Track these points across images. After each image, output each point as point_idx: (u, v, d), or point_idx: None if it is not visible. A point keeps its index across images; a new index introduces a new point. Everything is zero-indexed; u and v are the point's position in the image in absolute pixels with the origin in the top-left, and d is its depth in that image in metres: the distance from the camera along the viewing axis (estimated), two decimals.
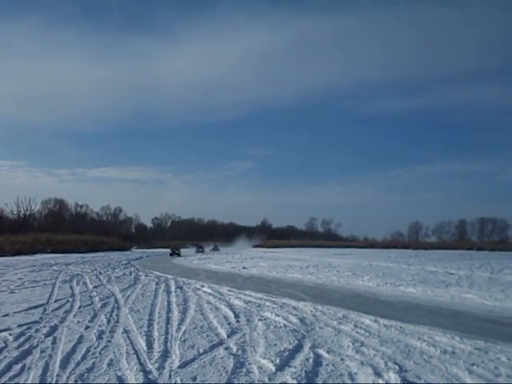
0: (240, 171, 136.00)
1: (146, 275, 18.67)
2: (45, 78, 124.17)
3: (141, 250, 66.40)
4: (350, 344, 6.41)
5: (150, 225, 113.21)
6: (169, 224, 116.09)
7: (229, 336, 6.91)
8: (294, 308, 9.68)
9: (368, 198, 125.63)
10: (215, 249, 63.57)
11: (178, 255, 45.75)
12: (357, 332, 7.26)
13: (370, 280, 16.55)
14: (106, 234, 75.22)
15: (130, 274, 18.84)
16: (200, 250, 57.45)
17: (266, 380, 4.85)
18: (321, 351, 6.05)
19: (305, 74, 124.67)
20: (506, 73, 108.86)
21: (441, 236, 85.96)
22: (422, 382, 4.81)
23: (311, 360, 5.58)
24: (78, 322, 7.91)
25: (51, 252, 45.49)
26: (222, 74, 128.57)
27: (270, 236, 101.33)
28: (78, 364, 5.34)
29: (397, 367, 5.27)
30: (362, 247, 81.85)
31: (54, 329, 7.27)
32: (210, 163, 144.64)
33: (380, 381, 4.74)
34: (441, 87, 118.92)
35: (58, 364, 5.30)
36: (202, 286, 13.68)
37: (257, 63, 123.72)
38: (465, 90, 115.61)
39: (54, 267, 23.17)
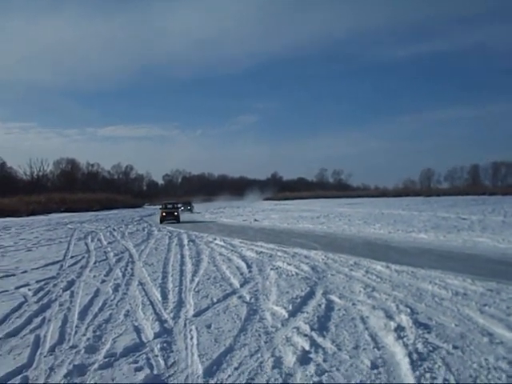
0: (246, 125, 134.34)
1: (159, 230, 18.99)
2: (48, 35, 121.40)
3: (153, 206, 67.22)
4: (362, 289, 6.47)
5: (161, 182, 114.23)
6: (179, 180, 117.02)
7: (242, 285, 7.01)
8: (306, 257, 9.78)
9: (378, 146, 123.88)
10: (188, 207, 43.02)
11: (190, 211, 40.71)
12: (368, 278, 7.32)
13: (381, 228, 16.58)
14: (117, 191, 76.33)
15: (143, 230, 19.17)
16: (188, 208, 42.78)
17: (279, 326, 4.94)
18: (333, 297, 6.12)
19: (307, 22, 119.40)
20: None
21: (453, 182, 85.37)
22: (434, 323, 4.85)
23: (323, 306, 5.65)
24: (94, 276, 8.09)
25: (65, 211, 46.42)
26: (224, 26, 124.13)
27: (281, 189, 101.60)
28: (95, 316, 5.48)
29: (408, 310, 5.32)
30: (373, 196, 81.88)
31: (71, 283, 7.46)
32: (217, 118, 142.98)
33: (392, 323, 4.78)
34: (449, 31, 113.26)
35: (76, 316, 5.45)
36: (215, 239, 13.86)
37: (258, 13, 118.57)
38: (475, 32, 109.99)
39: (69, 225, 23.65)
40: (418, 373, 3.56)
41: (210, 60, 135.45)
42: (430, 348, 4.11)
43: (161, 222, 25.14)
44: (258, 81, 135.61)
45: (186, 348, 4.33)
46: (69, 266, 9.27)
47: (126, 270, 8.71)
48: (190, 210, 42.56)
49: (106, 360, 4.00)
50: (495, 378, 3.46)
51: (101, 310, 5.77)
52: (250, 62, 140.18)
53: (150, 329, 4.89)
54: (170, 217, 25.71)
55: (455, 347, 4.12)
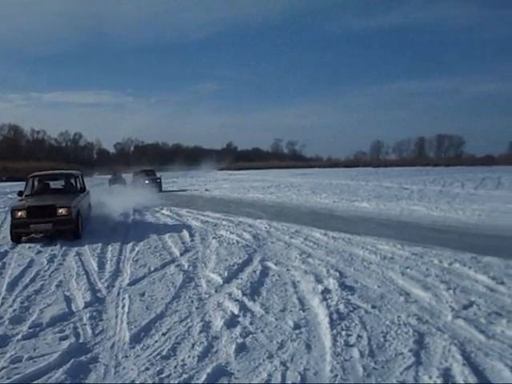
0: (204, 94, 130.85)
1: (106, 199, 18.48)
2: None
3: (103, 176, 65.08)
4: (298, 256, 6.71)
5: (112, 150, 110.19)
6: (132, 149, 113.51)
7: (182, 254, 7.06)
8: (250, 226, 9.94)
9: (331, 118, 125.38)
10: (117, 179, 28.36)
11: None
12: (306, 245, 7.58)
13: (327, 197, 17.09)
14: (65, 160, 72.92)
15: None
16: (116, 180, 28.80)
17: (213, 292, 5.06)
18: (269, 263, 6.31)
19: None
20: None
21: (401, 154, 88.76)
22: (359, 285, 5.16)
23: (258, 272, 5.83)
24: (30, 247, 7.83)
25: (7, 180, 43.95)
26: None
27: (236, 158, 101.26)
28: (25, 287, 5.35)
29: (337, 274, 5.60)
30: (325, 167, 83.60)
31: (3, 255, 7.19)
32: (173, 86, 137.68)
33: (320, 287, 5.03)
34: (401, 5, 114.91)
35: (4, 287, 5.30)
36: (161, 209, 13.73)
37: None
38: (425, 8, 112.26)
39: (9, 195, 22.46)
40: (335, 331, 3.80)
41: (166, 27, 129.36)
42: (351, 308, 4.37)
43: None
44: (217, 49, 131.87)
45: (117, 316, 4.35)
46: (4, 237, 8.88)
47: (64, 240, 8.47)
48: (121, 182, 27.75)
49: (31, 330, 3.94)
50: (403, 332, 3.76)
51: (32, 280, 5.64)
52: (210, 29, 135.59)
53: (81, 298, 4.85)
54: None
55: (374, 307, 4.42)
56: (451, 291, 4.75)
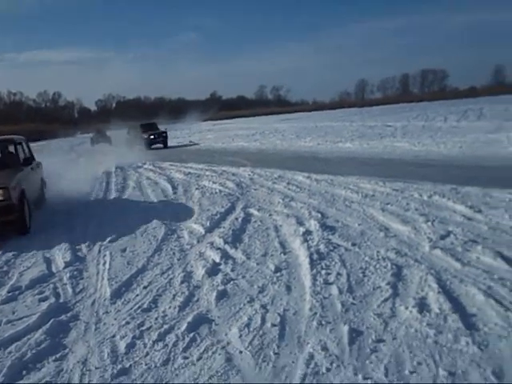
0: (184, 44, 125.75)
1: (86, 159, 18.16)
2: None
3: (86, 135, 63.64)
4: (281, 200, 6.69)
5: (94, 108, 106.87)
6: (114, 105, 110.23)
7: (163, 207, 7.00)
8: (233, 174, 9.85)
9: (314, 60, 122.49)
10: (100, 138, 29.23)
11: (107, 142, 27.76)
12: (289, 189, 7.56)
13: (311, 140, 16.95)
14: (46, 121, 70.79)
15: (71, 161, 18.22)
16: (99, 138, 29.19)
17: (195, 242, 5.04)
18: (252, 210, 6.29)
19: None
20: None
21: (386, 92, 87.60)
22: (340, 224, 5.18)
23: (240, 219, 5.81)
24: None
25: None
26: None
27: (221, 108, 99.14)
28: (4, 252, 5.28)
29: (319, 215, 5.61)
30: (311, 110, 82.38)
31: None
32: (153, 38, 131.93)
33: (301, 229, 5.04)
34: None
35: None
36: (144, 164, 13.50)
37: None
38: None
39: None
40: (314, 271, 3.83)
41: None
42: (331, 248, 4.40)
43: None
44: None
45: (98, 273, 4.33)
46: None
47: None
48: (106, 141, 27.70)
49: (10, 294, 3.91)
50: (382, 266, 3.80)
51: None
52: None
53: (61, 259, 4.80)
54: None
55: (354, 244, 4.45)
56: (429, 223, 4.79)
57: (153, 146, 21.86)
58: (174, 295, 3.66)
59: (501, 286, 3.19)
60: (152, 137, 22.09)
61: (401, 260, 3.91)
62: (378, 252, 4.15)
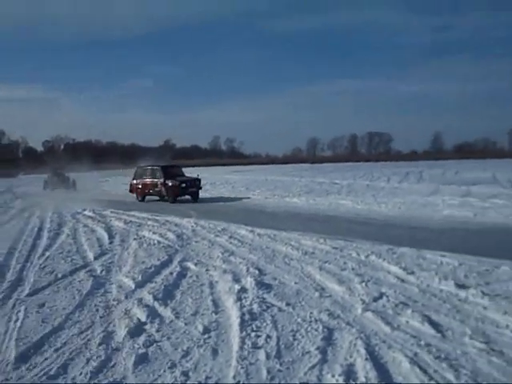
0: (139, 89, 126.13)
1: (24, 199, 17.17)
2: None
3: (30, 176, 60.71)
4: (220, 254, 6.51)
5: (40, 148, 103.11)
6: (62, 147, 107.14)
7: (96, 258, 6.59)
8: (176, 225, 9.59)
9: (269, 116, 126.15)
10: (58, 181, 24.01)
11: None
12: (230, 243, 7.41)
13: (260, 193, 17.10)
14: None
15: (5, 203, 17.13)
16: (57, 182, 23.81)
17: (122, 298, 4.71)
18: (189, 264, 6.06)
19: None
20: None
21: (335, 150, 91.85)
22: (276, 283, 5.07)
23: (175, 274, 5.56)
24: None
25: None
26: None
27: (174, 156, 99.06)
28: None
29: (257, 272, 5.48)
30: (264, 164, 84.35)
31: None
32: (108, 81, 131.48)
33: (236, 286, 4.87)
34: (334, 9, 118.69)
35: None
36: (84, 210, 12.88)
37: None
38: (357, 11, 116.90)
39: None
40: (244, 333, 3.65)
41: (101, 22, 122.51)
42: (264, 307, 4.25)
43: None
44: (154, 45, 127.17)
45: (6, 332, 3.88)
46: None
47: None
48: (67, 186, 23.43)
49: None
50: (313, 329, 3.69)
51: None
52: (148, 26, 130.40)
53: None
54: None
55: (288, 304, 4.33)
56: (364, 284, 4.79)
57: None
58: (89, 359, 3.32)
59: (426, 352, 3.16)
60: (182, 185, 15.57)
61: (333, 323, 3.82)
62: (311, 313, 4.05)
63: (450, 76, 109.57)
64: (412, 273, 5.17)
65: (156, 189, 15.95)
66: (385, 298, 4.37)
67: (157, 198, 16.39)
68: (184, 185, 15.53)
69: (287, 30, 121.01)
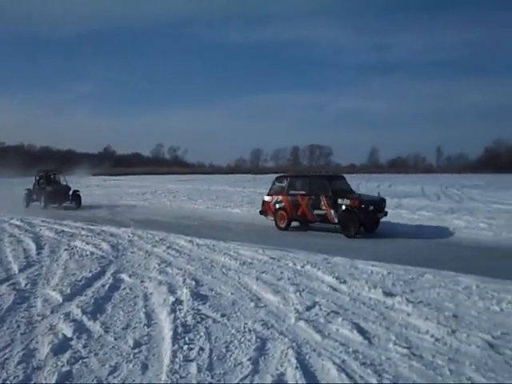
0: (79, 93, 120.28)
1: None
2: None
3: None
4: (157, 265, 6.36)
5: None
6: None
7: (21, 270, 6.16)
8: (112, 235, 9.23)
9: (213, 125, 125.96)
10: (53, 192, 17.23)
11: None
12: (168, 253, 7.26)
13: (202, 203, 16.99)
14: None
15: None
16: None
17: (48, 313, 4.44)
18: (123, 276, 5.85)
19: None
20: (342, 15, 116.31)
21: (278, 161, 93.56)
22: (213, 293, 5.03)
23: (107, 286, 5.33)
24: None
25: None
26: None
27: (115, 164, 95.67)
28: None
29: (193, 283, 5.41)
30: (207, 173, 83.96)
31: None
32: (44, 83, 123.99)
33: (171, 298, 4.77)
34: (283, 22, 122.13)
35: None
36: (11, 219, 12.03)
37: None
38: (305, 27, 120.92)
39: None
40: (176, 346, 3.57)
41: (37, 18, 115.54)
42: (199, 319, 4.20)
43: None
44: (95, 47, 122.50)
45: None
46: None
47: None
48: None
49: None
50: (246, 340, 3.70)
51: None
52: (88, 25, 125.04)
53: None
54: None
55: (223, 315, 4.31)
56: (298, 293, 4.89)
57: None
58: (5, 380, 3.07)
59: (353, 359, 3.28)
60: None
61: (266, 333, 3.86)
62: (245, 324, 4.06)
63: (387, 94, 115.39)
64: (344, 282, 5.36)
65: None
66: (317, 306, 4.49)
67: None
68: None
69: (233, 41, 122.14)
